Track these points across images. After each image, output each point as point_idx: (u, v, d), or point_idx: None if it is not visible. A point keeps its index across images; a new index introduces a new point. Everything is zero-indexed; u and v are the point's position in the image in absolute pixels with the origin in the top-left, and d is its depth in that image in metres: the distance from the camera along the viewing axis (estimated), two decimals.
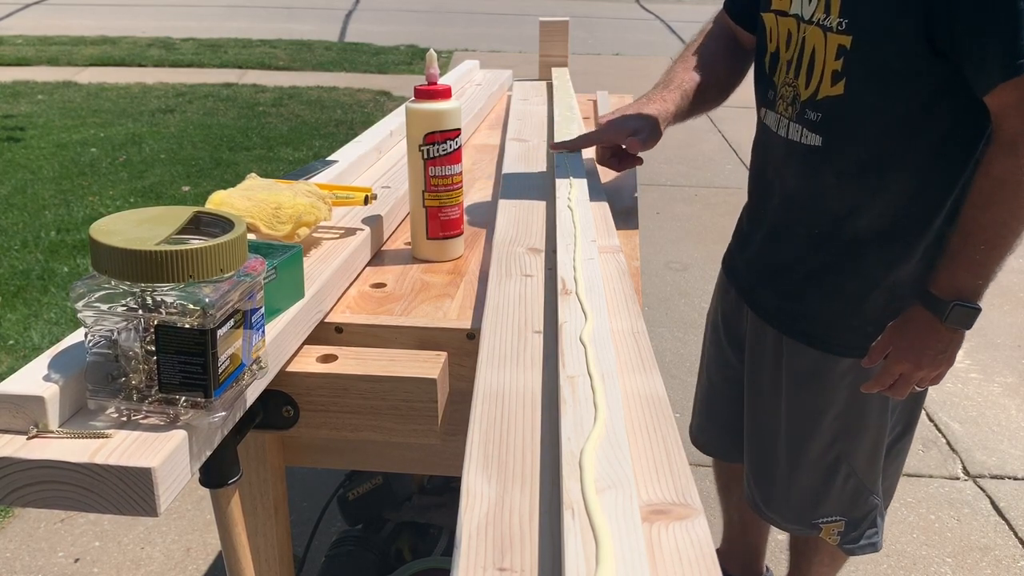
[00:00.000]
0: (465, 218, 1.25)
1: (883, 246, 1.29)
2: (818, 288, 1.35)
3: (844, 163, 1.26)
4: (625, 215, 1.40)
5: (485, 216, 1.41)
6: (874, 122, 1.22)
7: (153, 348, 0.70)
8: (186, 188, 4.52)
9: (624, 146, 1.38)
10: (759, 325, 1.46)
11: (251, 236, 0.98)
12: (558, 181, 1.29)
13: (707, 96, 1.46)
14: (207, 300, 0.69)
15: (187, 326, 0.69)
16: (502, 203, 1.32)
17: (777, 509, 1.54)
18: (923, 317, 1.23)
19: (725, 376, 1.63)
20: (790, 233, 1.37)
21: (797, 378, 1.41)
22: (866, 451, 1.44)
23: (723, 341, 1.61)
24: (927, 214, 1.27)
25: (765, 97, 1.38)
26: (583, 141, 1.44)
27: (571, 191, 1.24)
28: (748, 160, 1.50)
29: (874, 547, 1.53)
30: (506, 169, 1.50)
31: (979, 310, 1.20)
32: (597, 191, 1.32)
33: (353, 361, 0.95)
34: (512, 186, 1.39)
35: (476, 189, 1.56)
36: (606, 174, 1.53)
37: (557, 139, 1.55)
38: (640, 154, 1.40)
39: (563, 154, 1.44)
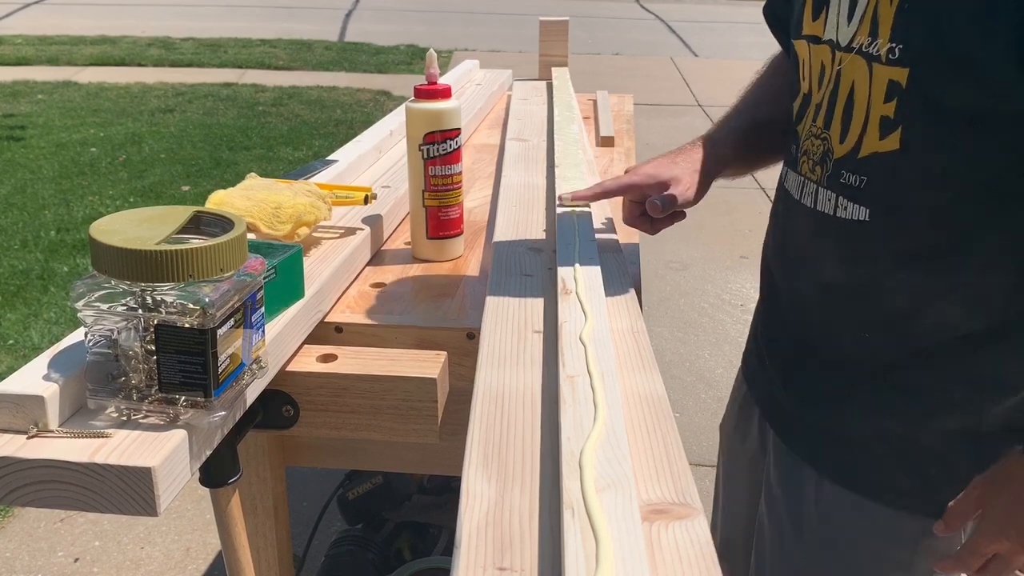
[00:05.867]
0: (465, 218, 1.25)
1: (968, 356, 0.90)
2: (867, 405, 0.96)
3: (905, 243, 0.89)
4: None
5: (485, 216, 1.41)
6: (946, 185, 0.85)
7: (153, 348, 0.70)
8: (186, 188, 4.52)
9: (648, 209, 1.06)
10: (778, 449, 1.06)
11: (251, 236, 0.98)
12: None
13: (773, 142, 1.11)
14: (207, 300, 0.69)
15: (187, 326, 0.69)
16: (502, 203, 1.32)
17: None
18: None
19: (740, 505, 1.23)
20: (829, 332, 0.99)
21: (828, 541, 0.99)
22: None
23: (728, 467, 1.23)
24: None
25: (789, 152, 1.03)
26: (600, 192, 1.13)
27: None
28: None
29: None
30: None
31: None
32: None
33: (353, 361, 0.95)
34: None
35: (476, 189, 1.56)
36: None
37: (557, 139, 1.55)
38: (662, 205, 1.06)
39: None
